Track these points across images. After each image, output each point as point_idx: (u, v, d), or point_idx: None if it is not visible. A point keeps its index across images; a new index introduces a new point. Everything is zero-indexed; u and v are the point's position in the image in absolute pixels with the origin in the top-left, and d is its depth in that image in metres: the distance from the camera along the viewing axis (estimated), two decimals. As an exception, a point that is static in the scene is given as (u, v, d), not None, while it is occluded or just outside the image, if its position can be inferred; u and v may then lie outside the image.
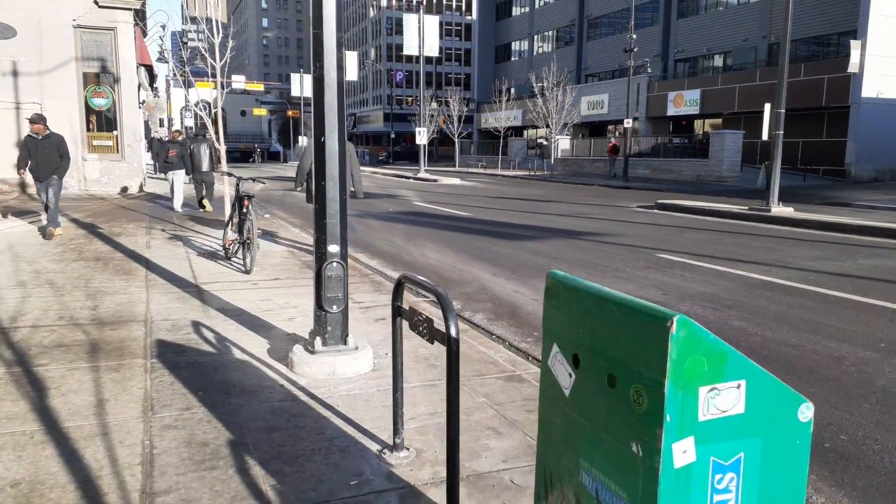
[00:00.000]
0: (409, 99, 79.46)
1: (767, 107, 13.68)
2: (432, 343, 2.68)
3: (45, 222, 9.98)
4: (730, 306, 6.21)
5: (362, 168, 9.66)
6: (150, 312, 5.62)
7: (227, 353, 4.55)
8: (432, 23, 27.20)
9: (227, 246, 8.18)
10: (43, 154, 9.48)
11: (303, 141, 47.40)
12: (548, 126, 34.72)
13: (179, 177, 14.18)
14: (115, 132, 18.69)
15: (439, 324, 2.61)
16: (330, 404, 3.69)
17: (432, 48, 26.99)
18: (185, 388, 3.86)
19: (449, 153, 63.45)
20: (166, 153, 14.29)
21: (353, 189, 9.18)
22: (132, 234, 10.45)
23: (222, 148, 9.57)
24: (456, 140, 47.14)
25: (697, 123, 40.84)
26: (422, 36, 26.89)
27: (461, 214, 14.63)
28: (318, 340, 4.18)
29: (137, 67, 19.08)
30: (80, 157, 18.16)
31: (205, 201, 14.31)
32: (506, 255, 9.26)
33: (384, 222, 13.40)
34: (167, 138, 16.96)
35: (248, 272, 7.44)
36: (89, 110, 18.45)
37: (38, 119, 9.37)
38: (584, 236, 10.98)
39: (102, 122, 18.97)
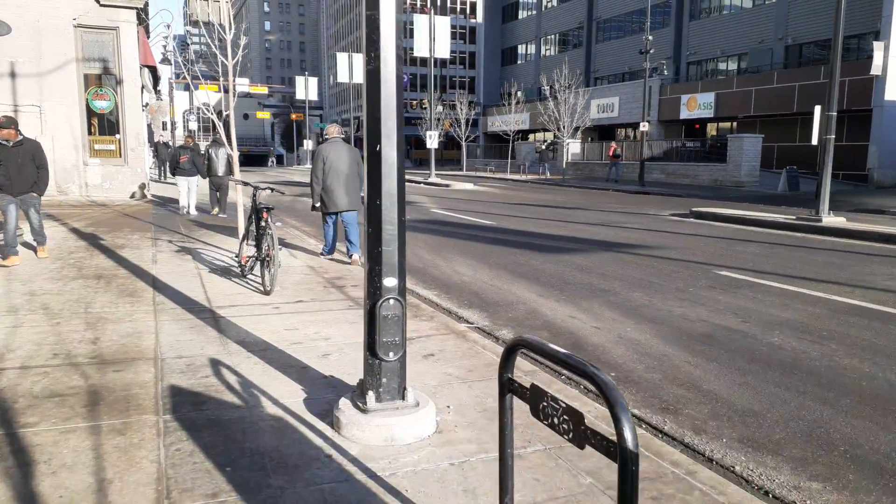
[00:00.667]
0: (414, 102, 78.78)
1: (818, 109, 12.86)
2: (582, 448, 1.85)
3: (32, 242, 8.63)
4: (826, 337, 5.40)
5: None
6: (161, 346, 4.82)
7: (256, 406, 3.75)
8: (443, 24, 26.44)
9: (243, 263, 7.38)
10: (15, 165, 7.75)
11: (308, 145, 46.66)
12: (559, 129, 33.95)
13: (192, 182, 14.29)
14: (117, 136, 17.94)
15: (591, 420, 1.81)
16: (395, 487, 2.88)
17: (443, 50, 26.22)
18: (208, 461, 3.06)
19: (455, 157, 62.73)
20: (178, 158, 14.24)
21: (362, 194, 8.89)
22: (137, 245, 9.66)
23: (234, 153, 8.79)
24: (463, 144, 46.40)
25: (710, 127, 40.07)
26: (433, 37, 26.13)
27: (485, 223, 13.83)
28: (370, 396, 3.38)
29: (141, 69, 18.33)
30: (82, 161, 17.43)
31: (215, 209, 14.42)
32: (546, 270, 8.45)
33: (403, 232, 12.59)
34: (179, 143, 16.61)
35: (267, 293, 6.65)
36: (91, 113, 17.70)
37: (7, 123, 7.82)
38: (627, 249, 10.17)
39: (104, 125, 18.21)
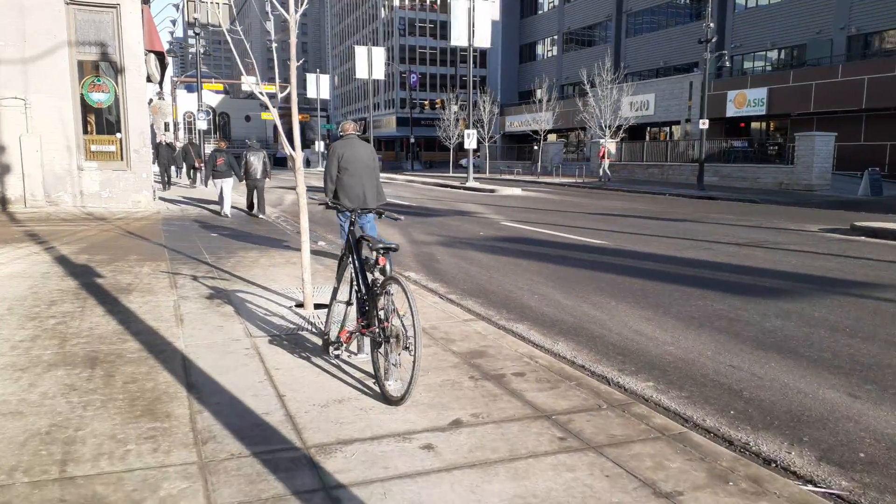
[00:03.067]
0: (426, 103, 75.81)
1: None
2: None
3: None
4: None
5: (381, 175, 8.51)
6: None
7: None
8: (484, 10, 23.53)
9: (343, 341, 4.34)
10: None
11: (319, 146, 43.88)
12: (601, 128, 31.03)
13: (228, 184, 14.42)
14: (118, 135, 15.01)
15: None
16: None
17: (484, 38, 23.31)
18: None
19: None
20: (215, 161, 14.37)
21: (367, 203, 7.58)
22: (149, 286, 6.72)
23: (298, 156, 5.85)
24: (486, 144, 43.49)
25: (756, 126, 37.17)
26: (472, 25, 23.21)
27: (596, 243, 10.83)
28: None
29: (146, 54, 15.40)
30: (76, 165, 14.51)
31: (256, 209, 14.60)
32: (788, 333, 5.49)
33: (494, 255, 9.65)
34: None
35: (394, 401, 3.71)
36: (86, 108, 14.79)
37: None
38: (854, 289, 7.23)
39: (103, 122, 15.30)
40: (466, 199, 20.01)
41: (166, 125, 47.57)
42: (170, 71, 41.87)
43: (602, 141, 31.50)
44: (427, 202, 19.11)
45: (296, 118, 5.94)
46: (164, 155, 22.22)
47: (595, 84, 31.28)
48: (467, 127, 24.90)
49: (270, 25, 6.80)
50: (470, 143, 24.51)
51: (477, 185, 24.38)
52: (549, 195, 22.99)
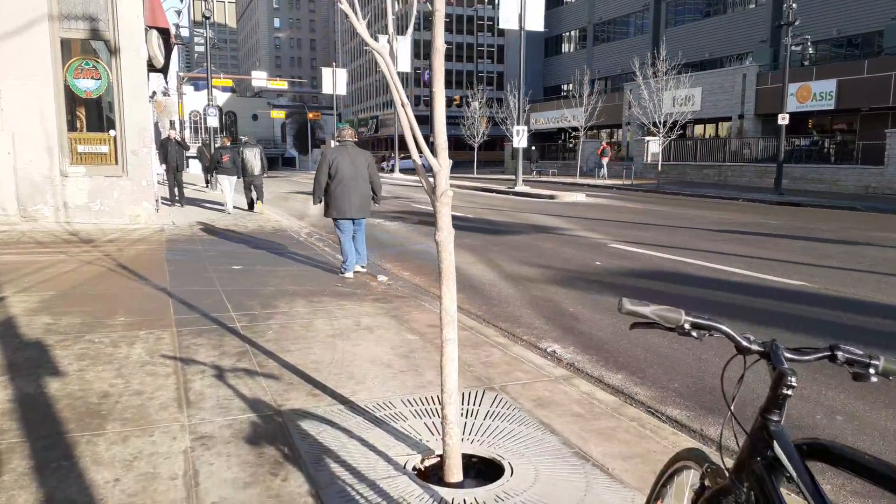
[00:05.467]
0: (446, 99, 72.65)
1: None
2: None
3: None
4: None
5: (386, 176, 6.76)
6: None
7: None
8: (536, -12, 20.42)
9: None
10: None
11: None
12: (655, 125, 27.89)
13: (232, 182, 14.24)
14: (111, 132, 12.00)
15: None
16: None
17: (536, 21, 20.20)
18: None
19: (496, 158, 56.69)
20: (220, 158, 14.01)
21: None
22: (140, 403, 3.67)
23: (445, 167, 2.82)
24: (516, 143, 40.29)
25: (819, 122, 33.89)
26: (523, 7, 20.11)
27: (787, 284, 7.58)
28: None
29: (147, 32, 12.35)
30: (58, 171, 11.52)
31: (257, 204, 14.46)
32: None
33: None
34: (219, 144, 15.33)
35: None
36: (72, 98, 11.79)
37: None
38: None
39: (93, 115, 12.31)
40: (528, 209, 16.87)
41: (171, 123, 44.47)
42: (174, 66, 38.79)
43: (648, 137, 28.44)
44: (484, 212, 15.98)
45: (441, 109, 2.86)
46: (173, 156, 17.24)
47: (648, 76, 28.18)
48: (500, 123, 21.77)
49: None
50: (520, 141, 21.38)
51: (528, 189, 21.24)
52: (618, 202, 19.78)
